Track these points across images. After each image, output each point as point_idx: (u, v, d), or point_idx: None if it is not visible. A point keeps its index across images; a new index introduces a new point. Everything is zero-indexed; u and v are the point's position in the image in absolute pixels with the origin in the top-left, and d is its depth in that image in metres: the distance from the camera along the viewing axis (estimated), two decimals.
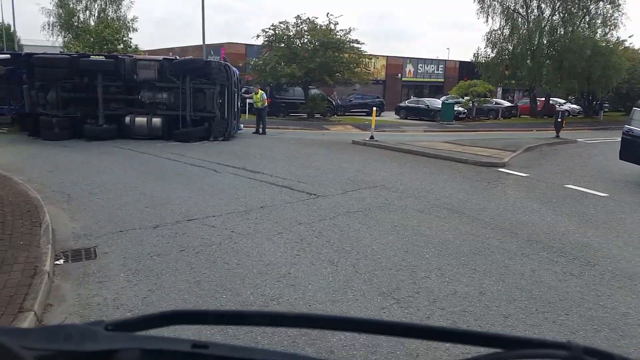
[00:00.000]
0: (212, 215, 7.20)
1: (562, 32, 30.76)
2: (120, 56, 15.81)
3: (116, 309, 4.22)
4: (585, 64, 28.50)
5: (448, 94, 34.62)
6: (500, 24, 32.46)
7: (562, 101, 38.79)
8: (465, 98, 31.11)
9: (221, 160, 12.01)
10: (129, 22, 37.72)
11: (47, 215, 6.79)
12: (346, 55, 27.24)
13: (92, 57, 15.64)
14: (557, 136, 18.83)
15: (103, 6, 38.21)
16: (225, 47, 34.82)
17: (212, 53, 32.16)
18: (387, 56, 43.66)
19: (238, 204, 7.83)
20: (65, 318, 4.05)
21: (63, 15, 37.64)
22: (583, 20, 31.05)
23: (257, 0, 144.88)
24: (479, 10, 32.65)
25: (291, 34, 27.10)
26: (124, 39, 33.27)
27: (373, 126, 16.96)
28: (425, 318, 4.21)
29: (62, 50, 31.13)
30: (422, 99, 35.72)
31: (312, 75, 26.27)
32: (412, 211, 7.63)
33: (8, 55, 16.94)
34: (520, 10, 32.02)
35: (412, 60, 45.70)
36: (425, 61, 46.72)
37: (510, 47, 31.98)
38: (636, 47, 35.76)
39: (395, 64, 44.22)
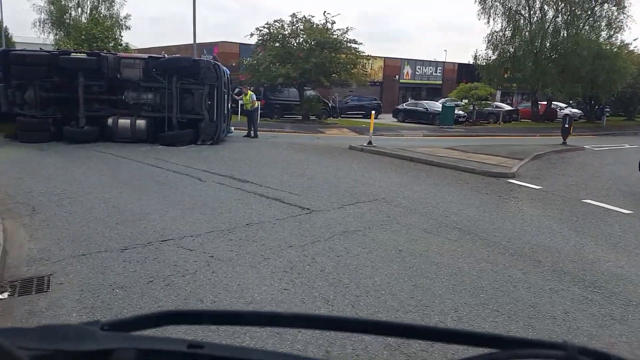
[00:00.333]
0: (189, 235, 6.30)
1: (565, 35, 29.93)
2: (103, 54, 14.84)
3: None
4: (590, 67, 27.67)
5: (448, 97, 33.72)
6: (501, 26, 31.72)
7: (564, 105, 38.03)
8: (464, 101, 30.28)
9: (207, 167, 11.10)
10: (121, 20, 37.06)
11: (1, 234, 5.92)
12: (343, 55, 26.31)
13: (73, 55, 14.65)
14: (564, 143, 17.97)
15: (95, 3, 37.50)
16: (219, 46, 33.90)
17: (205, 52, 31.24)
18: (385, 57, 42.73)
19: (221, 221, 6.92)
20: None
21: (55, 12, 36.78)
22: (587, 22, 30.24)
23: (255, 1, 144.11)
24: (480, 11, 31.90)
25: (286, 33, 26.15)
26: (115, 36, 32.36)
27: (371, 131, 16.03)
28: None
29: (57, 48, 30.21)
30: (421, 101, 34.81)
31: (307, 76, 25.31)
32: (419, 231, 6.73)
33: None
34: (523, 11, 31.20)
35: (410, 61, 44.82)
36: (424, 63, 45.84)
37: (511, 49, 31.15)
38: None
39: (392, 66, 43.34)
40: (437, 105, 31.54)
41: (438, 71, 46.49)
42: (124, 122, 14.47)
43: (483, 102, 29.68)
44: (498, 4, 31.41)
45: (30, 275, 4.97)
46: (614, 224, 7.65)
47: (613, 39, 30.53)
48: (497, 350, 0.72)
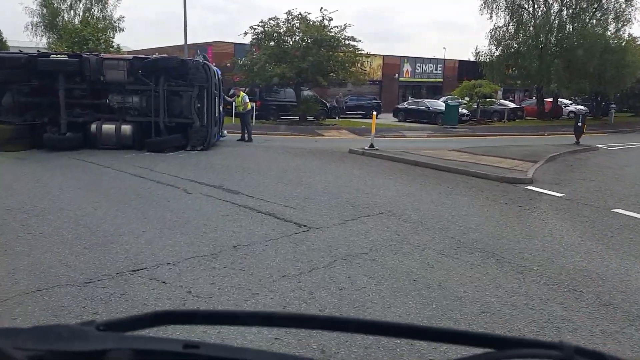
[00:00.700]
0: (166, 263, 5.36)
1: (571, 29, 28.90)
2: (84, 55, 13.87)
3: None
4: (597, 62, 26.62)
5: (450, 95, 32.66)
6: (505, 20, 30.70)
7: (568, 102, 37.04)
8: (466, 99, 29.29)
9: (196, 175, 10.15)
10: (115, 22, 36.38)
11: None
12: (341, 54, 25.33)
13: (53, 57, 13.68)
14: (577, 142, 16.98)
15: (88, 5, 36.72)
16: (213, 46, 32.96)
17: (198, 52, 30.28)
18: (384, 55, 41.75)
19: (204, 243, 5.99)
20: None
21: (47, 15, 35.97)
22: (594, 15, 29.20)
23: (255, 1, 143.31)
24: (482, 5, 30.89)
25: (282, 31, 25.16)
26: (106, 38, 31.52)
27: (373, 133, 15.04)
28: None
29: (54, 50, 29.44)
30: (422, 100, 33.84)
31: (304, 76, 24.34)
32: (434, 254, 5.77)
33: None
34: (526, 5, 30.20)
35: (409, 59, 43.85)
36: (424, 60, 44.86)
37: (515, 44, 30.16)
38: None
39: (392, 64, 42.37)
40: (439, 104, 30.57)
41: (438, 69, 45.50)
42: (109, 127, 13.51)
43: (488, 100, 28.70)
44: None
45: None
46: None
47: (621, 32, 29.52)
48: (493, 350, 0.72)
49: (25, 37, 36.93)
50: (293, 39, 25.29)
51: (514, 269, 5.38)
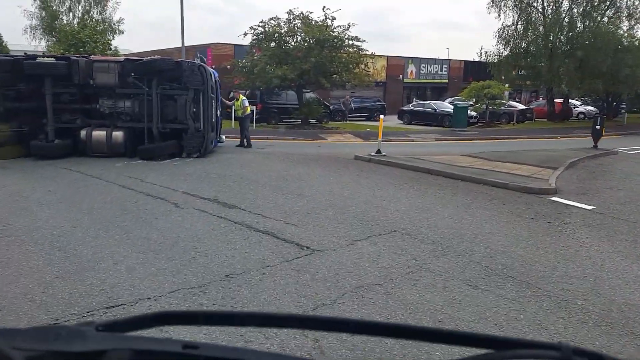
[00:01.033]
0: (146, 297, 4.59)
1: (582, 28, 27.98)
2: (73, 57, 13.09)
3: None
4: (611, 61, 25.68)
5: (457, 96, 31.74)
6: (513, 19, 29.82)
7: (578, 103, 36.09)
8: (473, 100, 28.41)
9: (189, 187, 9.35)
10: (114, 24, 35.70)
11: None
12: (344, 54, 24.48)
13: (39, 59, 12.89)
14: (595, 146, 16.10)
15: (87, 8, 36.12)
16: (212, 47, 32.19)
17: (197, 54, 29.52)
18: (388, 56, 40.82)
19: (193, 271, 5.19)
20: None
21: (46, 17, 35.41)
22: (606, 13, 28.28)
23: (253, 2, 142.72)
24: (490, 4, 30.03)
25: (283, 31, 24.32)
26: (104, 40, 30.80)
27: (380, 138, 14.16)
28: None
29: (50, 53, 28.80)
30: (428, 102, 32.92)
31: (306, 77, 23.49)
32: (459, 284, 4.93)
33: None
34: (535, 3, 29.31)
35: (414, 60, 42.95)
36: (428, 61, 43.94)
37: (524, 44, 29.27)
38: None
39: (396, 65, 41.48)
40: (445, 106, 29.69)
41: (444, 69, 44.57)
42: (99, 134, 12.71)
43: (497, 101, 27.82)
44: None
45: None
46: None
47: (635, 30, 28.59)
48: (492, 351, 0.71)
49: (24, 40, 36.56)
50: (295, 40, 24.45)
51: (555, 303, 4.55)
